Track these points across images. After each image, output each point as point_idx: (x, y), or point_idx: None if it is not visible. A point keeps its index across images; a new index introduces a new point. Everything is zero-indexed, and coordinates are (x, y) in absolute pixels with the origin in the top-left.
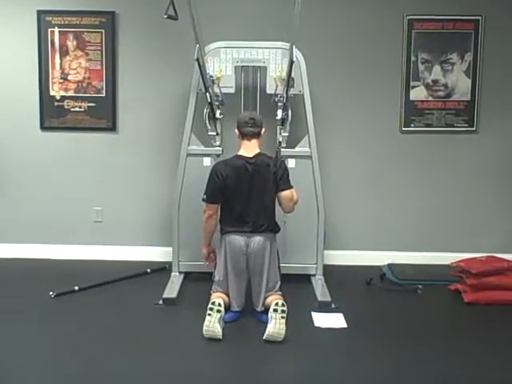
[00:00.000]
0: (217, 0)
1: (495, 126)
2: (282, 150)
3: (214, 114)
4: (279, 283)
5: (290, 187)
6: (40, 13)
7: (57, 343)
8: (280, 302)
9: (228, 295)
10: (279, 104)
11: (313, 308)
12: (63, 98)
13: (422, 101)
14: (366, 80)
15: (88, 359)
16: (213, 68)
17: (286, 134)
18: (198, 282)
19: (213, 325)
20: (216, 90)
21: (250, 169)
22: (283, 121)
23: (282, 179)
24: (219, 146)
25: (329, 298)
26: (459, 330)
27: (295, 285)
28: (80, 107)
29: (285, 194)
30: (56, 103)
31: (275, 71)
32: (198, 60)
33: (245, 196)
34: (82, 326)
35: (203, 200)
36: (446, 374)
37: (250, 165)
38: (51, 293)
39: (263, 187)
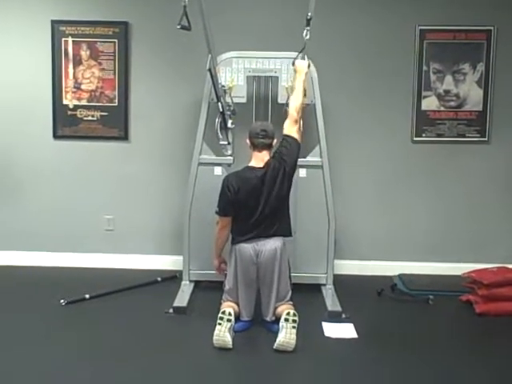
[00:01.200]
0: (229, 10)
1: (507, 136)
2: None
3: (225, 124)
4: (290, 293)
5: (287, 133)
6: (54, 23)
7: (68, 351)
8: (291, 312)
9: (238, 304)
10: None
11: (323, 318)
12: (76, 107)
13: (434, 111)
14: (377, 90)
15: (99, 367)
16: (225, 78)
17: None
18: (209, 291)
19: (223, 334)
20: (228, 99)
21: (261, 179)
22: None
23: (287, 155)
24: (230, 156)
25: (339, 308)
26: (470, 341)
27: (305, 294)
28: (93, 116)
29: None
30: (69, 112)
31: (287, 81)
32: (210, 70)
33: (257, 207)
34: (92, 334)
35: (216, 213)
36: None
37: (260, 175)
38: (62, 301)
39: (276, 192)
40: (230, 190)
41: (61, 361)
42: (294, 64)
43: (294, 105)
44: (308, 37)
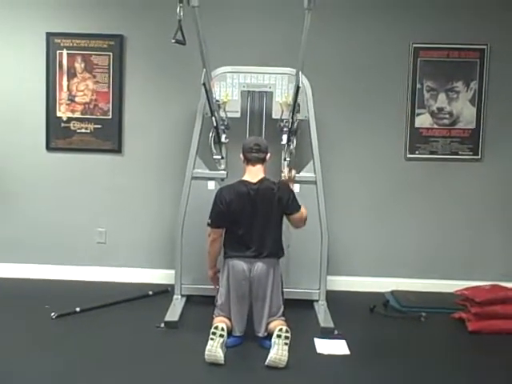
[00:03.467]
0: (224, 26)
1: (500, 154)
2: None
3: (219, 138)
4: (282, 308)
5: (299, 208)
6: (49, 35)
7: (58, 365)
8: (284, 328)
9: (230, 319)
10: (284, 129)
11: (315, 334)
12: (70, 120)
13: (427, 128)
14: (371, 107)
15: (89, 381)
16: (219, 92)
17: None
18: (200, 306)
19: (215, 349)
20: (222, 114)
21: (254, 194)
22: (289, 146)
23: (289, 203)
24: (224, 170)
25: (331, 325)
26: (462, 359)
27: (298, 310)
28: (86, 129)
29: (295, 216)
30: (62, 124)
31: (281, 96)
32: (204, 84)
33: (248, 221)
34: (82, 347)
35: (208, 224)
36: None
37: (253, 190)
38: (53, 314)
39: (267, 212)
40: (222, 202)
41: (50, 374)
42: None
43: (303, 212)
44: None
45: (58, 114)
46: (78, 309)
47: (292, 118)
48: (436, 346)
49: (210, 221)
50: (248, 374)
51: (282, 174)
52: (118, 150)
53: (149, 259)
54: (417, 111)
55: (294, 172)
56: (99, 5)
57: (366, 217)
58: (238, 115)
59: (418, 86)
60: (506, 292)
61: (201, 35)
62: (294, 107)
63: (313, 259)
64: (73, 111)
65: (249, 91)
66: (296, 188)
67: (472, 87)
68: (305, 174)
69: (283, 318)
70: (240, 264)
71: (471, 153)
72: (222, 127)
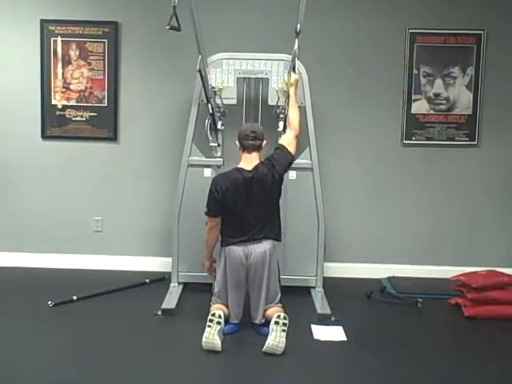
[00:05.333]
0: (219, 12)
1: (496, 139)
2: None
3: (215, 125)
4: (279, 295)
5: (285, 146)
6: (43, 22)
7: (55, 353)
8: (282, 315)
9: (228, 307)
10: (281, 116)
11: (312, 320)
12: (65, 108)
13: (424, 114)
14: (367, 93)
15: (86, 369)
16: (215, 79)
17: None
18: (197, 293)
19: (212, 337)
20: (218, 101)
21: (250, 181)
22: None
23: (278, 163)
24: (220, 157)
25: (328, 311)
26: (459, 344)
27: (295, 297)
28: (81, 117)
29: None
30: (57, 112)
31: (277, 83)
32: (200, 71)
33: (245, 209)
34: (80, 335)
35: (205, 213)
36: None
37: (249, 178)
38: (50, 302)
39: (264, 197)
40: (217, 190)
41: (48, 362)
42: (289, 74)
43: (296, 118)
44: (297, 47)
45: (53, 101)
46: (74, 297)
47: (288, 104)
48: (432, 332)
49: (206, 209)
50: (245, 361)
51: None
52: (113, 137)
53: (145, 247)
54: (413, 97)
55: (294, 75)
56: None
57: (363, 203)
58: (233, 102)
59: (415, 71)
60: (502, 277)
61: (196, 21)
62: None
63: (309, 246)
64: (68, 99)
65: (245, 78)
66: (292, 175)
67: (469, 73)
68: (301, 160)
69: (280, 305)
70: (237, 251)
71: (468, 138)
72: (218, 114)
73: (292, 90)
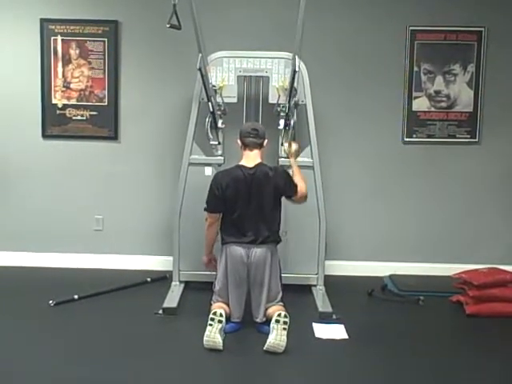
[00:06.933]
0: (220, 10)
1: (497, 137)
2: (283, 159)
3: (216, 124)
4: (281, 294)
5: (297, 189)
6: (43, 21)
7: (56, 352)
8: (283, 314)
9: (229, 305)
10: (281, 114)
11: (314, 319)
12: (65, 107)
13: (425, 111)
14: (368, 90)
15: (87, 368)
16: (215, 77)
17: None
18: (199, 292)
19: (213, 335)
20: (218, 99)
21: (250, 179)
22: (286, 130)
23: (286, 188)
24: (221, 156)
25: (330, 309)
26: (460, 341)
27: (296, 295)
28: (82, 116)
29: (296, 197)
30: (58, 111)
31: (278, 81)
32: (200, 69)
33: (245, 206)
34: (81, 335)
35: (204, 209)
36: None
37: (249, 175)
38: (51, 301)
39: (263, 197)
40: (218, 186)
41: (49, 362)
42: (289, 144)
43: (304, 187)
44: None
45: (54, 101)
46: (76, 296)
47: (289, 102)
48: (434, 330)
49: (206, 205)
50: (247, 360)
51: (282, 147)
52: (114, 136)
53: (146, 246)
54: (414, 94)
55: (294, 146)
56: None
57: (364, 201)
58: (234, 100)
59: (415, 68)
60: (503, 275)
61: (196, 19)
62: (291, 92)
63: (311, 244)
64: (68, 98)
65: (245, 76)
66: None
67: (469, 70)
68: (302, 159)
69: (281, 304)
70: (238, 249)
71: (469, 136)
72: (219, 112)
73: (292, 160)
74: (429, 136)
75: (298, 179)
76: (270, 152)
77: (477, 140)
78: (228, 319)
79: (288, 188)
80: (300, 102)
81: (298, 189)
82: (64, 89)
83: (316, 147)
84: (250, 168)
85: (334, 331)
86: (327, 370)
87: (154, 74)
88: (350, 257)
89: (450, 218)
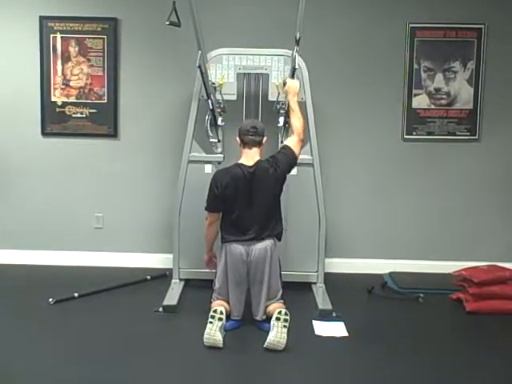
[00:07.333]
0: (219, 7)
1: (497, 134)
2: None
3: (215, 121)
4: (281, 291)
5: (291, 149)
6: (42, 18)
7: (56, 350)
8: (283, 311)
9: (229, 303)
10: (281, 111)
11: (314, 316)
12: (65, 104)
13: (425, 109)
14: (368, 88)
15: (87, 366)
16: (215, 75)
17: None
18: (199, 289)
19: (214, 333)
20: (218, 96)
21: (250, 177)
22: (286, 128)
23: (287, 156)
24: (220, 153)
25: (330, 307)
26: (461, 339)
27: (296, 293)
28: (81, 113)
29: (294, 143)
30: (57, 109)
31: (277, 78)
32: (200, 67)
33: (245, 205)
34: (81, 333)
35: (205, 208)
36: None
37: (249, 173)
38: (51, 299)
39: (264, 194)
40: (217, 185)
41: (49, 360)
42: (285, 84)
43: (299, 126)
44: (296, 54)
45: (53, 98)
46: (76, 294)
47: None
48: (434, 327)
49: (206, 204)
50: (247, 357)
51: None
52: (113, 134)
53: (146, 243)
54: (414, 92)
55: (289, 82)
56: None
57: (363, 198)
58: (234, 98)
59: (415, 66)
60: (503, 272)
61: (195, 17)
62: None
63: (311, 242)
64: (68, 96)
65: (245, 73)
66: (293, 171)
67: (469, 67)
68: (302, 156)
69: (282, 301)
70: (238, 247)
71: (468, 133)
72: (218, 110)
73: (290, 97)
74: (429, 133)
75: (294, 118)
76: (270, 149)
77: (477, 137)
78: (228, 317)
79: (288, 154)
80: (300, 100)
81: (292, 141)
82: (63, 86)
83: (316, 144)
84: (250, 166)
85: (334, 329)
86: (327, 368)
87: (153, 72)
88: (349, 254)
89: (449, 215)
